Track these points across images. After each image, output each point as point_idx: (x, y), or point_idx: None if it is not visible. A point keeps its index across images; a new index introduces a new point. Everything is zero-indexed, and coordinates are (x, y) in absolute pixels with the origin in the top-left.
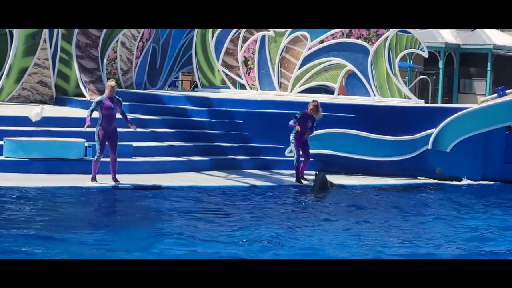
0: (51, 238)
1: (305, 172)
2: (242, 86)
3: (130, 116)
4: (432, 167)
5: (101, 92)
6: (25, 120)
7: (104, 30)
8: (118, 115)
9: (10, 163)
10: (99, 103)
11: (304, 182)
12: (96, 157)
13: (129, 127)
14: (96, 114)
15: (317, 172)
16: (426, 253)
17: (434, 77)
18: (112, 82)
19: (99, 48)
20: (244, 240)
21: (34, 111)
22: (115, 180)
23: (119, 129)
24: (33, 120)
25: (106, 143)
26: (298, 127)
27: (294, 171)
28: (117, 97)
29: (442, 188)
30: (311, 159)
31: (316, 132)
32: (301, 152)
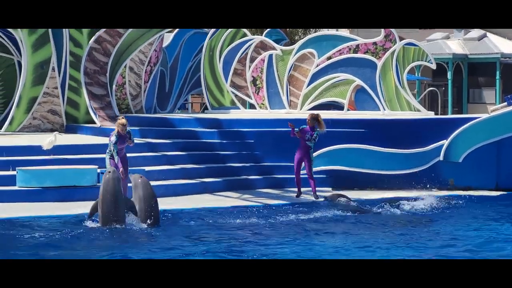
0: None
1: (320, 189)
2: (252, 106)
3: (141, 140)
4: (445, 178)
5: (111, 118)
6: (37, 150)
7: (112, 56)
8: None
9: (24, 192)
10: (116, 143)
11: (317, 199)
12: None
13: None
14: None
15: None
16: None
17: (443, 88)
18: (122, 120)
19: (108, 74)
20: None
21: (48, 140)
22: None
23: (129, 154)
24: (45, 148)
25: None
26: (292, 126)
27: (309, 188)
28: (128, 130)
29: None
30: (323, 176)
31: (327, 149)
32: (304, 171)
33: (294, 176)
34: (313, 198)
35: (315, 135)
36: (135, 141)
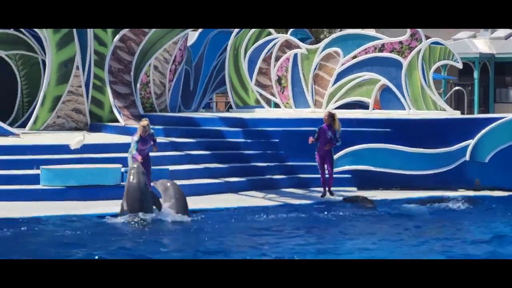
0: None
1: (345, 189)
2: (277, 105)
3: (165, 140)
4: (471, 178)
5: (136, 117)
6: (61, 148)
7: (136, 54)
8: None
9: (48, 192)
10: (138, 142)
11: (331, 196)
12: None
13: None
14: (128, 139)
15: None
16: None
17: (470, 88)
18: (144, 122)
19: (132, 73)
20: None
21: (77, 139)
22: None
23: (153, 154)
24: (73, 147)
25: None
26: (311, 138)
27: (333, 188)
28: (151, 131)
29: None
30: (348, 175)
31: (352, 148)
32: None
33: (319, 176)
34: (337, 198)
35: (338, 134)
36: (157, 140)
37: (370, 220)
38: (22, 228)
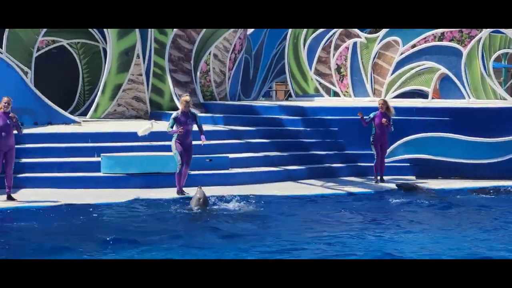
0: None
1: (404, 177)
2: (336, 94)
3: (224, 128)
4: None
5: (196, 105)
6: (121, 136)
7: (196, 43)
8: (195, 128)
9: (108, 179)
10: (175, 119)
11: (383, 184)
12: (178, 169)
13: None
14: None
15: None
16: None
17: None
18: (186, 97)
19: (192, 62)
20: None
21: (145, 127)
22: (181, 192)
23: (214, 142)
24: (140, 135)
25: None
26: (360, 114)
27: (392, 177)
28: (192, 111)
29: None
30: (407, 164)
31: (411, 137)
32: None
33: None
34: (391, 185)
35: (391, 122)
36: (217, 128)
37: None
38: (93, 215)
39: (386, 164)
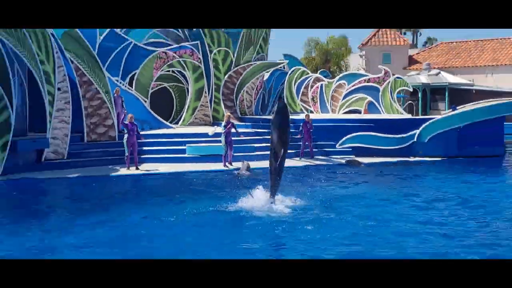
0: None
1: (349, 156)
2: (311, 112)
3: (251, 130)
4: (417, 151)
5: (236, 118)
6: (197, 135)
7: (236, 84)
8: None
9: (190, 158)
10: (225, 126)
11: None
12: (224, 153)
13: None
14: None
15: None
16: None
17: (416, 102)
18: (228, 114)
19: (234, 95)
20: None
21: (212, 129)
22: (225, 166)
23: (248, 138)
24: (210, 134)
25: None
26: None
27: (342, 156)
28: (232, 121)
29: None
30: (350, 149)
31: (352, 135)
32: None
33: (330, 149)
34: (343, 161)
35: (300, 128)
36: (246, 130)
37: (361, 173)
38: (183, 176)
39: (338, 149)
